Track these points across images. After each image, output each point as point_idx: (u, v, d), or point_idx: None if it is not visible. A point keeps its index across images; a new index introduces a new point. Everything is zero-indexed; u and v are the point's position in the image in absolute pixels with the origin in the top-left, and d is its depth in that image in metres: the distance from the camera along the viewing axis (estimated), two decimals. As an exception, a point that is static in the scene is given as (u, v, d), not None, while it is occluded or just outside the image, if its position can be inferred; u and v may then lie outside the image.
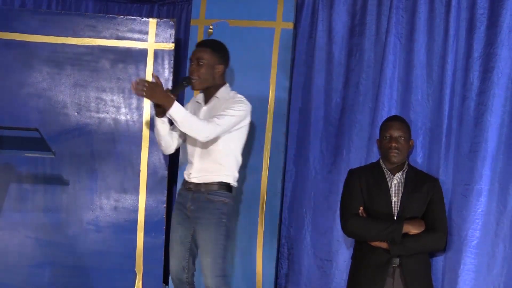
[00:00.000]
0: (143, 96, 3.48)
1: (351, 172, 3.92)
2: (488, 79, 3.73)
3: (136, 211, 4.42)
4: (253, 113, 4.36)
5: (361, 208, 3.77)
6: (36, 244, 4.34)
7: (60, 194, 4.39)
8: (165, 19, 4.55)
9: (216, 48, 3.74)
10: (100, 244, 4.39)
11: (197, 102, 3.84)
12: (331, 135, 4.39)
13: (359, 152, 4.22)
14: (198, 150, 3.68)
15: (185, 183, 3.72)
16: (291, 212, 4.50)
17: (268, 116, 4.41)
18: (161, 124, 3.68)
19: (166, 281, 4.42)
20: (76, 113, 4.44)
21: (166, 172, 4.46)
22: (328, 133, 4.40)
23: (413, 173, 3.81)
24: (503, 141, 3.70)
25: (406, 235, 3.65)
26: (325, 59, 4.43)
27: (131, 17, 4.57)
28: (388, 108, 4.11)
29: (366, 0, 4.31)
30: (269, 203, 4.38)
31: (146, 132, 4.47)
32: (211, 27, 4.49)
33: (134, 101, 4.48)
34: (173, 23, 4.52)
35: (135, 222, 4.42)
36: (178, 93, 3.69)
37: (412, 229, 3.66)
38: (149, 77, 4.45)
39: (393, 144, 3.77)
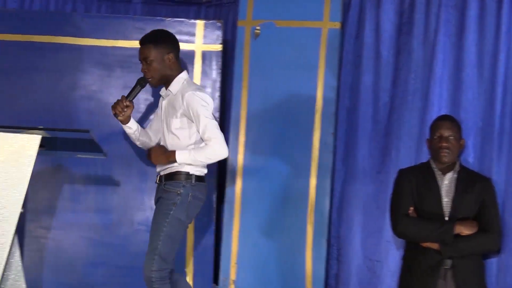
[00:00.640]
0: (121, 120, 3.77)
1: (401, 172, 3.89)
2: (541, 76, 3.67)
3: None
4: (301, 113, 4.39)
5: (411, 208, 3.74)
6: (89, 243, 4.41)
7: (111, 195, 4.44)
8: (212, 21, 4.58)
9: (157, 41, 3.73)
10: (151, 244, 4.43)
11: (161, 95, 3.85)
12: (379, 135, 4.36)
13: (409, 152, 4.18)
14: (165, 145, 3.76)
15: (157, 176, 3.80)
16: (340, 212, 4.48)
17: (316, 116, 4.40)
18: (129, 129, 3.84)
19: (216, 281, 4.44)
20: (124, 115, 4.50)
21: (215, 173, 4.48)
22: (376, 133, 4.37)
23: (465, 173, 3.76)
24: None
25: (458, 236, 3.61)
26: (372, 58, 4.41)
27: (178, 19, 4.61)
28: (438, 107, 4.06)
29: (414, -2, 4.28)
30: (318, 203, 4.37)
31: (195, 133, 4.50)
32: (257, 28, 4.51)
33: (182, 103, 4.52)
34: (220, 25, 4.55)
35: (184, 222, 4.45)
36: (134, 97, 3.76)
37: (464, 229, 3.62)
38: (197, 78, 4.49)
39: (444, 144, 3.73)
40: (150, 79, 3.73)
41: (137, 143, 3.94)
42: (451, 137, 3.74)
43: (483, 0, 3.96)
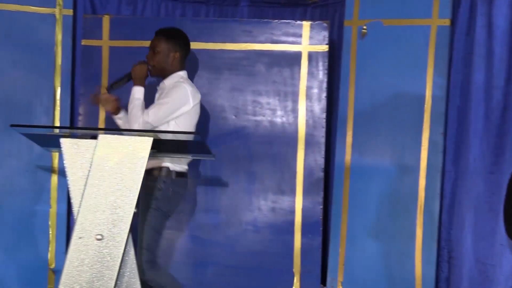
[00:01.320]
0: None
1: (516, 173, 3.74)
2: None
3: (293, 212, 4.48)
4: (409, 112, 4.31)
5: (527, 210, 3.59)
6: (199, 244, 4.51)
7: (219, 196, 4.53)
8: (318, 21, 4.58)
9: (170, 36, 3.87)
10: (259, 244, 4.48)
11: (157, 88, 3.96)
12: (492, 134, 4.22)
13: (524, 152, 4.03)
14: None
15: None
16: (451, 214, 4.36)
17: (425, 115, 4.31)
18: (119, 120, 3.94)
19: (323, 282, 4.44)
20: (234, 116, 4.57)
21: (322, 174, 4.48)
22: (489, 132, 4.23)
23: None
24: None
25: None
26: (484, 56, 4.27)
27: (284, 20, 4.64)
28: (556, 105, 3.89)
29: (529, -9, 4.11)
30: (428, 204, 4.27)
31: (301, 134, 4.51)
32: (364, 27, 4.46)
33: (289, 104, 4.54)
34: (326, 25, 4.54)
35: (292, 223, 4.47)
36: (117, 88, 3.87)
37: None
38: (303, 79, 4.50)
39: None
40: (150, 67, 3.85)
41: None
42: None
43: None
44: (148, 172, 3.74)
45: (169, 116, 3.75)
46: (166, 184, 3.76)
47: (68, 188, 3.34)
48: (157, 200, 3.76)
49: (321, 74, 4.52)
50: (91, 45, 4.60)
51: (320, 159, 4.49)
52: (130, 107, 3.76)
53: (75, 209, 3.32)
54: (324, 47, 4.52)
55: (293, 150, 4.52)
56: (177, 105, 3.75)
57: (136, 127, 3.69)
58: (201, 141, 3.44)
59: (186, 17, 4.99)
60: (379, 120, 4.40)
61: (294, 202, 4.48)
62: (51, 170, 4.47)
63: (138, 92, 3.77)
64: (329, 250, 4.44)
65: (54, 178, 4.47)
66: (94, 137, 3.36)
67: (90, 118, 4.55)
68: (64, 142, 3.35)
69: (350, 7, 4.54)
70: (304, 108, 4.51)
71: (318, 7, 5.18)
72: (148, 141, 3.33)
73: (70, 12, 4.57)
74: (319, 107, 4.52)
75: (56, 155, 4.46)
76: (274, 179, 4.52)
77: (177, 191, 3.81)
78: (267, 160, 4.53)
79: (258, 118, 4.55)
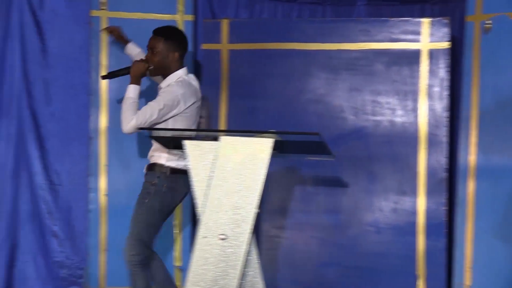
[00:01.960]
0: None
1: None
2: None
3: (415, 213, 4.38)
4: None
5: None
6: (321, 244, 4.50)
7: (340, 196, 4.49)
8: (438, 18, 4.46)
9: (169, 36, 3.93)
10: (380, 245, 4.41)
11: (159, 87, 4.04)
12: None
13: None
14: None
15: None
16: None
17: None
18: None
19: (449, 285, 4.31)
20: (352, 117, 4.53)
21: (445, 174, 4.36)
22: None
23: None
24: None
25: None
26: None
27: (403, 18, 4.55)
28: None
29: None
30: None
31: (423, 134, 4.41)
32: (488, 22, 4.30)
33: (409, 103, 4.46)
34: (447, 22, 4.41)
35: (414, 224, 4.37)
36: (112, 78, 4.05)
37: None
38: (424, 77, 4.41)
39: None
40: (150, 67, 3.91)
41: None
42: None
43: None
44: (147, 168, 3.95)
45: (159, 118, 3.83)
46: (160, 180, 3.86)
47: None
48: (150, 195, 3.86)
49: (442, 72, 4.40)
50: (211, 49, 4.70)
51: (442, 159, 4.37)
52: (123, 105, 3.85)
53: (199, 209, 3.40)
54: (445, 44, 4.40)
55: (414, 150, 4.42)
56: (167, 108, 3.83)
57: (126, 129, 3.82)
58: (321, 141, 3.44)
59: (303, 18, 5.00)
60: (506, 118, 4.22)
61: (415, 203, 4.38)
62: (175, 171, 4.60)
63: (133, 91, 3.86)
64: (453, 253, 4.31)
65: (179, 179, 4.59)
66: (216, 138, 3.44)
67: (211, 120, 4.65)
68: (188, 144, 3.45)
69: (472, 2, 4.39)
70: (425, 107, 4.41)
71: (437, 4, 5.05)
72: (268, 142, 3.38)
73: (190, 17, 4.69)
74: (441, 105, 4.41)
75: (179, 156, 4.59)
76: (395, 180, 4.43)
77: (172, 187, 3.88)
78: (387, 160, 4.45)
79: (378, 118, 4.49)
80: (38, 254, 4.61)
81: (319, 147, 3.54)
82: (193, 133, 3.82)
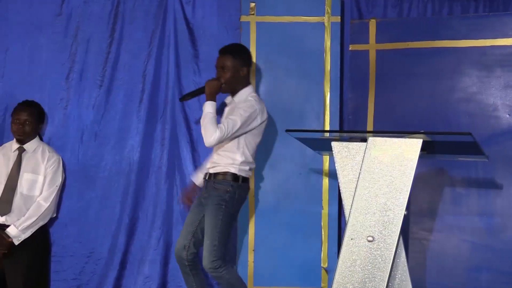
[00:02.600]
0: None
1: None
2: None
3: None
4: None
5: None
6: (472, 248, 4.37)
7: (493, 198, 4.34)
8: None
9: (236, 53, 4.08)
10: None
11: (225, 103, 4.18)
12: None
13: None
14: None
15: (205, 173, 4.14)
16: None
17: None
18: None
19: None
20: (507, 115, 4.36)
21: None
22: None
23: None
24: None
25: None
26: None
27: (562, 10, 4.33)
28: None
29: None
30: None
31: None
32: None
33: None
34: None
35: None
36: (188, 99, 4.19)
37: None
38: None
39: None
40: (223, 84, 4.04)
41: None
42: None
43: None
44: (217, 175, 4.05)
45: (240, 131, 3.95)
46: (234, 188, 4.00)
47: (339, 190, 3.44)
48: (226, 202, 3.97)
49: None
50: (358, 49, 4.69)
51: None
52: (203, 120, 3.96)
53: (346, 210, 3.41)
54: None
55: None
56: (248, 120, 3.96)
57: (210, 141, 3.91)
58: (473, 141, 3.34)
59: (454, 15, 4.86)
60: None
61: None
62: (322, 172, 4.64)
63: (211, 107, 3.98)
64: None
65: (326, 181, 4.62)
66: (363, 139, 3.43)
67: (358, 122, 4.64)
68: (335, 145, 3.47)
69: None
70: None
71: None
72: (417, 143, 3.32)
73: (338, 19, 4.70)
74: None
75: (327, 158, 4.61)
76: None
77: (241, 195, 4.06)
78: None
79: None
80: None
81: (471, 148, 3.44)
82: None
